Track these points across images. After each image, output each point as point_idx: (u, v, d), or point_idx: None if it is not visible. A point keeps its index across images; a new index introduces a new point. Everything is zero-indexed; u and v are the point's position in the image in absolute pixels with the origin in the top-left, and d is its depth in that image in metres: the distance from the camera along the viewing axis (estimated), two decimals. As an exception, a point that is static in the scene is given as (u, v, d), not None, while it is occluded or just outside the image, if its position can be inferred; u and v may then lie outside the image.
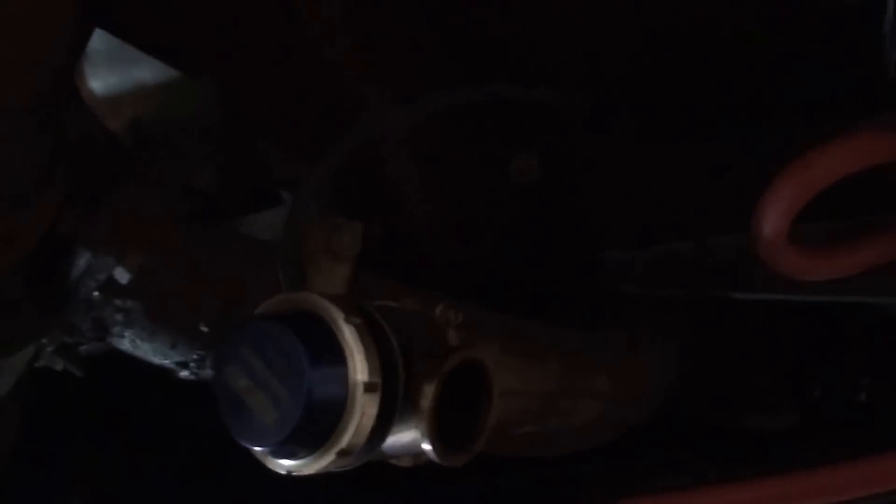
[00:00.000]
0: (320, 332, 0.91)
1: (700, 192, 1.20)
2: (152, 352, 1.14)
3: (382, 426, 0.93)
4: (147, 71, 1.21)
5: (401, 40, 1.19)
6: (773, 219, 1.03)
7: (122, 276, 1.07)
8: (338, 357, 0.90)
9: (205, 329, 1.12)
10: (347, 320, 0.91)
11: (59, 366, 1.18)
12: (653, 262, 1.26)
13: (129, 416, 1.47)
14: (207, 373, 1.15)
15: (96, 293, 1.08)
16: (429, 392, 0.95)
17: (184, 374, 1.16)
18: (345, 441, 0.90)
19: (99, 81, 1.20)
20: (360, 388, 0.90)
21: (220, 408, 0.93)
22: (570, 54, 1.17)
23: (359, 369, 0.90)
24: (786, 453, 1.34)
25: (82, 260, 1.06)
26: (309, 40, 1.14)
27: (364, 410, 0.90)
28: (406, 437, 0.97)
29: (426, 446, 0.96)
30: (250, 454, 0.94)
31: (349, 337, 0.90)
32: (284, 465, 0.94)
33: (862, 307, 1.28)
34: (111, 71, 1.20)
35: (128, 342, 1.13)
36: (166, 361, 1.15)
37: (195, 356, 1.14)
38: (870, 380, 1.48)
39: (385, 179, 1.25)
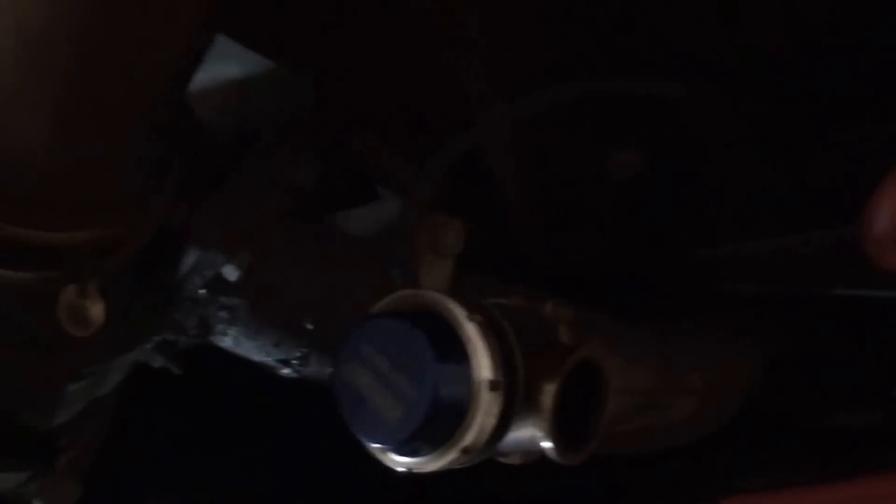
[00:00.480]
0: (444, 330, 0.91)
1: (803, 189, 1.20)
2: (255, 349, 1.14)
3: (504, 424, 0.92)
4: (235, 67, 1.21)
5: (509, 40, 1.19)
6: (883, 217, 1.03)
7: (230, 273, 1.07)
8: (462, 355, 0.90)
9: (310, 327, 1.12)
10: (470, 318, 0.90)
11: (157, 363, 1.18)
12: (751, 258, 1.26)
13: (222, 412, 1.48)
14: (310, 370, 1.15)
15: (202, 291, 1.08)
16: (550, 390, 0.95)
17: (285, 371, 1.16)
18: (469, 439, 0.90)
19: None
20: (485, 387, 0.90)
21: (340, 405, 0.93)
22: (694, 47, 1.17)
23: (483, 367, 0.90)
24: (870, 452, 1.34)
25: (190, 258, 1.06)
26: (416, 36, 1.14)
27: (488, 408, 0.90)
28: (524, 435, 0.97)
29: (546, 445, 0.96)
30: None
31: (473, 335, 0.90)
32: (405, 462, 0.94)
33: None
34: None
35: (230, 340, 1.13)
36: (268, 359, 1.15)
37: (298, 353, 1.14)
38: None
39: (486, 176, 1.25)
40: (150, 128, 0.95)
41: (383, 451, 0.94)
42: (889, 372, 1.47)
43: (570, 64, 1.18)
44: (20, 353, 0.97)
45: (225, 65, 1.20)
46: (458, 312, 0.91)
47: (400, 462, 0.94)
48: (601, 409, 1.01)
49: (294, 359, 1.14)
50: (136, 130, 0.93)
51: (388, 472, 0.96)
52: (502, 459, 1.04)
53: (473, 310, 0.91)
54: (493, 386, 0.90)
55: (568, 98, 1.11)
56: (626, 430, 1.23)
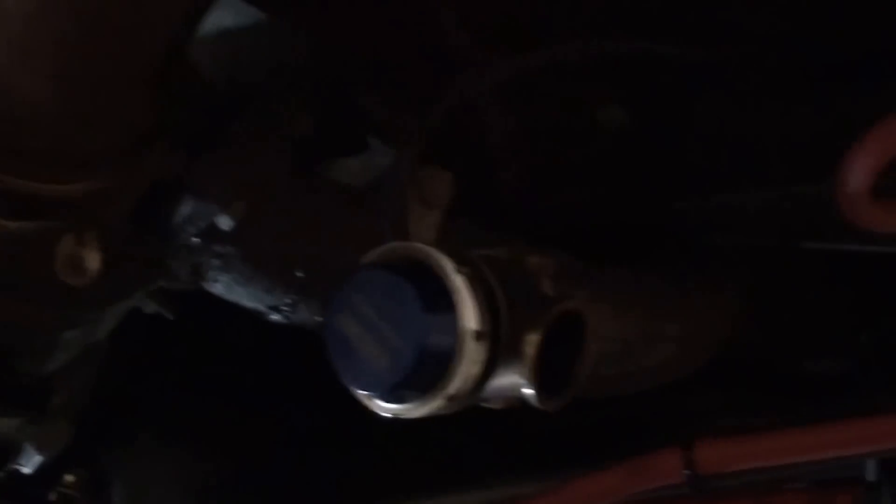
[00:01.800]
0: (432, 281, 0.94)
1: (783, 144, 1.23)
2: (246, 296, 1.17)
3: (487, 372, 0.96)
4: (228, 17, 1.22)
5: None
6: (858, 175, 1.06)
7: (225, 223, 1.09)
8: (449, 306, 0.93)
9: (300, 275, 1.14)
10: (457, 270, 0.93)
11: (150, 309, 1.22)
12: (731, 211, 1.29)
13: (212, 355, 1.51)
14: (299, 316, 1.18)
15: (196, 239, 1.11)
16: (533, 340, 0.98)
17: (275, 317, 1.19)
18: (453, 387, 0.94)
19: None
20: (470, 337, 0.93)
21: (329, 353, 0.96)
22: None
23: (469, 318, 0.93)
24: (839, 398, 1.38)
25: (186, 207, 1.09)
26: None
27: (473, 358, 0.94)
28: (506, 382, 1.00)
29: (528, 391, 1.00)
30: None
31: (460, 286, 0.93)
32: (390, 408, 0.97)
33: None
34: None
35: (222, 286, 1.16)
36: (259, 305, 1.18)
37: (289, 300, 1.17)
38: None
39: (474, 130, 1.27)
40: (149, 81, 0.97)
41: (370, 397, 0.98)
42: (859, 321, 1.52)
43: (554, 21, 1.20)
44: (17, 302, 1.00)
45: (219, 15, 1.22)
46: (446, 264, 0.94)
47: (386, 408, 0.97)
48: (582, 357, 1.05)
49: (284, 305, 1.17)
50: (135, 85, 0.96)
51: (375, 416, 1.00)
52: (485, 404, 1.08)
53: (461, 262, 0.95)
54: (479, 336, 0.94)
55: (555, 60, 1.13)
56: (604, 376, 1.26)
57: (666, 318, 1.33)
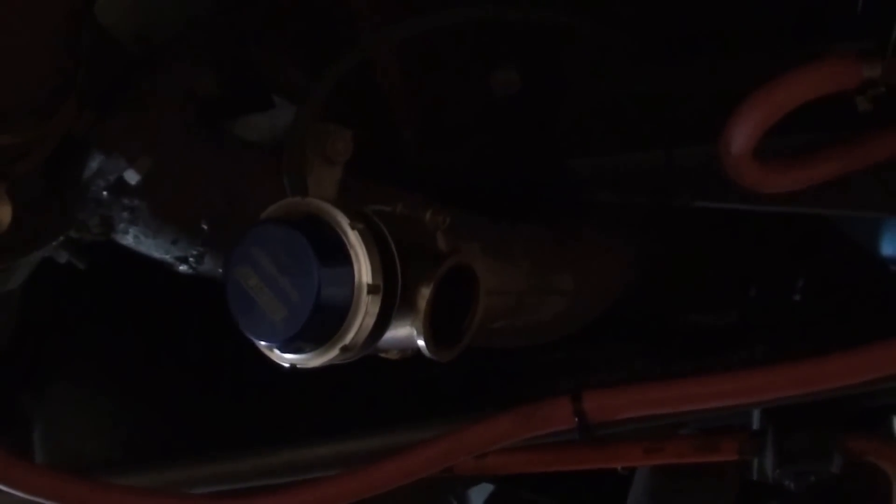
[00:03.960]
0: (328, 236, 0.99)
1: (669, 108, 1.28)
2: (154, 247, 1.20)
3: (382, 324, 1.01)
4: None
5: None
6: (739, 138, 1.12)
7: (131, 177, 1.12)
8: (345, 260, 0.98)
9: (206, 227, 1.18)
10: (352, 226, 0.98)
11: (62, 258, 1.25)
12: (621, 170, 1.35)
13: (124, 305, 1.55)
14: (205, 267, 1.22)
15: (105, 192, 1.14)
16: (425, 293, 1.03)
17: (182, 268, 1.23)
18: (348, 338, 0.99)
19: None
20: (365, 290, 0.98)
21: (229, 304, 1.01)
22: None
23: (364, 272, 0.98)
24: (726, 348, 1.44)
25: (94, 162, 1.12)
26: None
27: (367, 310, 0.99)
28: (400, 334, 1.06)
29: (420, 342, 1.05)
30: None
31: (355, 241, 0.98)
32: (289, 358, 1.02)
33: (804, 215, 1.37)
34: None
35: (131, 238, 1.19)
36: (167, 256, 1.22)
37: (195, 252, 1.20)
38: (804, 282, 1.58)
39: (374, 90, 1.32)
40: (57, 40, 1.00)
41: (269, 348, 1.02)
42: (743, 276, 1.59)
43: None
44: None
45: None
46: (342, 220, 0.99)
47: (285, 359, 1.03)
48: (473, 310, 1.10)
49: (191, 256, 1.21)
50: (43, 43, 0.99)
51: (277, 366, 1.04)
52: (382, 355, 1.13)
53: (355, 218, 0.99)
54: (373, 290, 0.99)
55: (452, 22, 1.18)
56: (497, 328, 1.32)
57: (557, 271, 1.38)
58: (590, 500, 1.92)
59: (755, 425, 1.49)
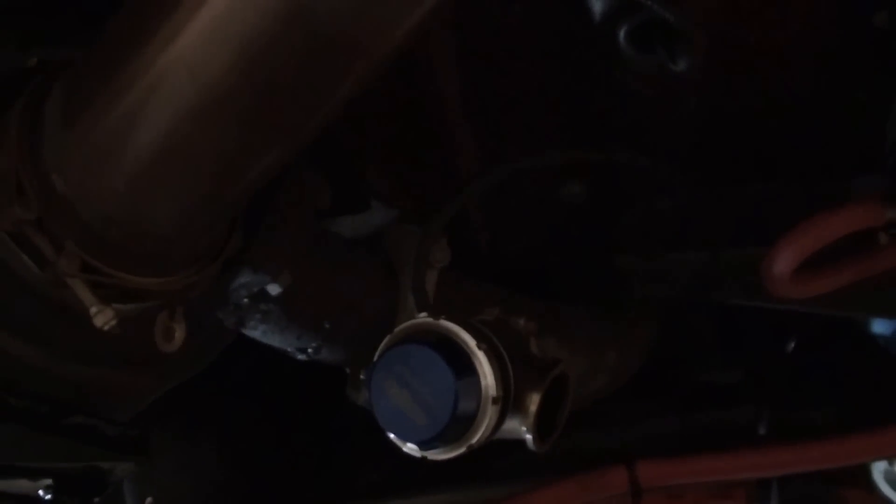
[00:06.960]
0: (460, 356, 1.18)
1: (711, 222, 1.50)
2: (280, 341, 1.39)
3: (499, 426, 1.21)
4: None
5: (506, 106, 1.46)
6: (781, 263, 1.33)
7: (273, 289, 1.30)
8: (474, 376, 1.18)
9: (328, 326, 1.37)
10: (478, 346, 1.18)
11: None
12: (665, 268, 1.56)
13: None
14: (322, 356, 1.41)
15: (246, 300, 1.32)
16: (535, 399, 1.23)
17: (301, 357, 1.42)
18: (475, 439, 1.19)
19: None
20: (490, 401, 1.18)
21: (374, 409, 1.19)
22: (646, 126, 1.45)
23: (490, 386, 1.18)
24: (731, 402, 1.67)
25: (244, 277, 1.30)
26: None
27: (490, 416, 1.19)
28: (508, 428, 1.26)
29: (528, 437, 1.25)
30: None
31: (483, 360, 1.18)
32: (423, 452, 1.22)
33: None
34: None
35: (259, 332, 1.37)
36: (288, 347, 1.41)
37: (314, 344, 1.40)
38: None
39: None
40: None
41: (402, 441, 1.22)
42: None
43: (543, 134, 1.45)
44: (126, 373, 1.21)
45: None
46: (469, 341, 1.19)
47: (417, 450, 1.22)
48: (565, 407, 1.31)
49: (310, 348, 1.40)
50: (236, 209, 1.17)
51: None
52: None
53: (479, 338, 1.19)
54: (496, 400, 1.19)
55: (541, 165, 1.38)
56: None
57: (606, 350, 1.60)
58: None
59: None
